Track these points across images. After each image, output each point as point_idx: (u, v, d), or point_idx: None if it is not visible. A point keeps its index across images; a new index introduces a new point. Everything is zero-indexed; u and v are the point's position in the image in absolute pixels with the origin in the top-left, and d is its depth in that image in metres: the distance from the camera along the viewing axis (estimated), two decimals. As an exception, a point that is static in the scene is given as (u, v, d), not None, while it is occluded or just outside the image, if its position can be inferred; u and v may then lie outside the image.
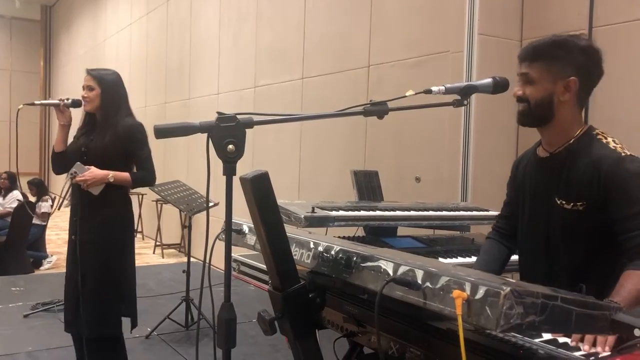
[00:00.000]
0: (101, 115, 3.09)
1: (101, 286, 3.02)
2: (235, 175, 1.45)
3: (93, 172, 2.97)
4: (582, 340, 1.31)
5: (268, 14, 6.46)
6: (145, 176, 3.10)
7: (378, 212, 2.68)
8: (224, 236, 1.53)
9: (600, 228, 1.73)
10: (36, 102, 3.37)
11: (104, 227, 3.04)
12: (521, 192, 1.98)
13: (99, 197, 3.02)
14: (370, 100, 1.63)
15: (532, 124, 1.86)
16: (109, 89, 3.09)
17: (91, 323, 2.99)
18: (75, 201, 3.08)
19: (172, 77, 8.91)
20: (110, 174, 2.98)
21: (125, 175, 3.03)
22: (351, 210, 2.65)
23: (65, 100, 3.14)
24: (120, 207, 3.09)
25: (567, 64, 1.76)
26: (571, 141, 1.81)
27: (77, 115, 3.21)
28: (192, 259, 4.82)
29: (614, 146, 1.76)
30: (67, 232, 3.17)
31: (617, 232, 1.69)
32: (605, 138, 1.80)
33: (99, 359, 3.07)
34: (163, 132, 1.46)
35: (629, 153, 1.75)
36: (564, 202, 1.78)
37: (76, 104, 3.14)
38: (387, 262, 1.30)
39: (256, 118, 1.51)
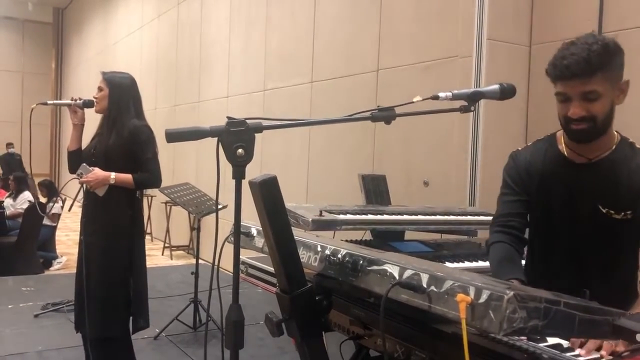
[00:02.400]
0: (109, 117, 3.13)
1: (105, 287, 3.03)
2: (244, 178, 1.47)
3: (96, 173, 3.00)
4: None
5: (278, 18, 6.50)
6: (148, 178, 3.09)
7: (385, 216, 2.69)
8: (232, 238, 1.55)
9: None
10: (49, 102, 3.44)
11: (109, 228, 3.06)
12: (545, 195, 1.85)
13: (106, 199, 3.05)
14: (378, 106, 1.65)
15: (595, 139, 1.74)
16: (116, 91, 3.12)
17: (94, 323, 3.01)
18: (85, 202, 3.12)
19: (182, 80, 8.97)
20: (112, 175, 3.01)
21: (128, 176, 3.04)
22: (358, 214, 2.66)
23: (77, 100, 3.19)
24: (126, 209, 3.10)
25: (619, 68, 1.70)
26: (613, 148, 1.76)
27: (93, 117, 3.25)
28: (200, 261, 4.85)
29: None
30: (78, 233, 3.21)
31: None
32: None
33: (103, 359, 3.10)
34: (174, 136, 1.48)
35: None
36: (612, 211, 1.72)
37: (87, 104, 3.19)
38: (393, 266, 1.32)
39: (265, 123, 1.53)
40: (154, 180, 3.12)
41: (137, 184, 3.07)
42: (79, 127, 3.23)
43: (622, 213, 1.71)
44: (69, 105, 3.21)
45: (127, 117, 3.09)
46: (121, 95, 3.12)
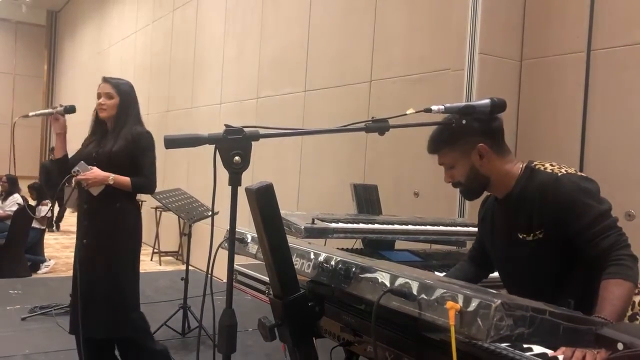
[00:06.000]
0: (114, 123, 3.16)
1: (115, 287, 3.09)
2: (240, 185, 1.50)
3: (95, 172, 3.03)
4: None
5: (272, 26, 6.54)
6: (145, 183, 3.15)
7: (376, 226, 2.73)
8: (226, 244, 1.58)
9: (567, 245, 1.82)
10: (30, 114, 3.31)
11: (117, 228, 3.11)
12: (489, 232, 2.09)
13: (104, 202, 3.08)
14: (372, 117, 1.68)
15: (477, 195, 2.02)
16: (126, 98, 3.17)
17: (104, 323, 3.05)
18: (86, 205, 3.13)
19: (175, 86, 8.98)
20: (111, 177, 3.03)
21: (126, 179, 3.07)
22: (350, 222, 2.69)
23: (58, 108, 3.18)
24: (132, 208, 3.18)
25: (467, 138, 1.89)
26: (514, 183, 1.93)
27: (81, 120, 3.25)
28: (189, 267, 4.85)
29: (550, 169, 1.88)
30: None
31: (582, 245, 1.79)
32: (543, 165, 1.92)
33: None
34: (172, 142, 1.51)
35: (564, 171, 1.86)
36: (524, 235, 1.89)
37: (69, 110, 3.16)
38: (385, 274, 1.35)
39: (262, 131, 1.56)
40: (150, 185, 3.18)
41: (134, 187, 3.12)
42: (62, 136, 3.21)
43: (532, 234, 1.88)
44: (50, 114, 3.19)
45: (132, 123, 3.15)
46: (129, 102, 3.19)
